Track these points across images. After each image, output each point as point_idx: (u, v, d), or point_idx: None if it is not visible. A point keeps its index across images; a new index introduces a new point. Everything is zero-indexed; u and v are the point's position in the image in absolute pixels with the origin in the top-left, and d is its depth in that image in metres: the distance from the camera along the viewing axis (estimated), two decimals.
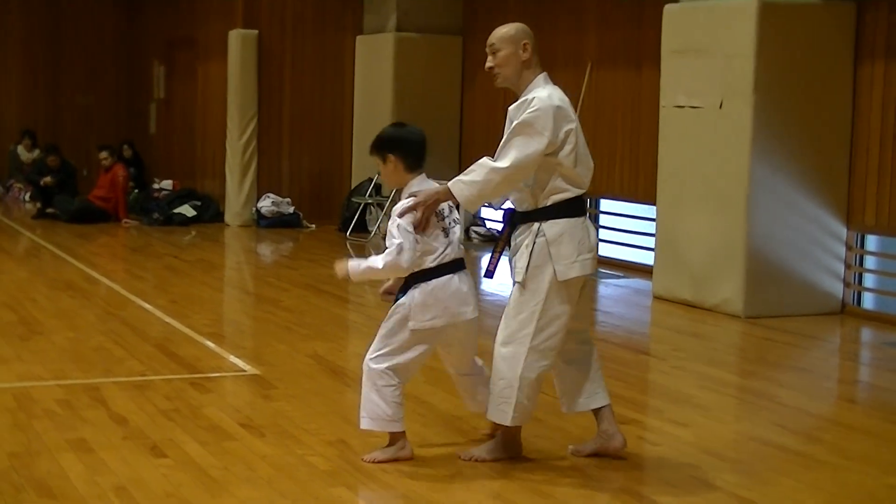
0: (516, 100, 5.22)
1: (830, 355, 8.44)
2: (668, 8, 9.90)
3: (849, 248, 9.45)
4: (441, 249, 5.07)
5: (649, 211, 11.19)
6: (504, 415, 5.17)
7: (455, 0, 14.93)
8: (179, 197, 15.86)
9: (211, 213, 15.64)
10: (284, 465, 5.11)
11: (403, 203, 5.05)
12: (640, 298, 10.23)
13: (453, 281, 5.08)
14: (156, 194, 16.30)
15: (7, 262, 11.47)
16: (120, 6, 20.10)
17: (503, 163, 5.01)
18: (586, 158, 5.17)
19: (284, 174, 15.72)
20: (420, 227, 4.99)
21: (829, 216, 9.36)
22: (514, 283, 5.17)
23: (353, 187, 15.13)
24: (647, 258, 11.05)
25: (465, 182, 5.04)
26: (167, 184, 16.76)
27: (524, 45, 5.21)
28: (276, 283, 10.86)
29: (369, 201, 14.45)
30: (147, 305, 9.12)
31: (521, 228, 5.18)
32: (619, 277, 11.36)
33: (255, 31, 15.27)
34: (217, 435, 5.55)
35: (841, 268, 9.43)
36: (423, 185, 5.13)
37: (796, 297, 9.29)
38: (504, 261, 5.25)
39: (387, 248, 4.98)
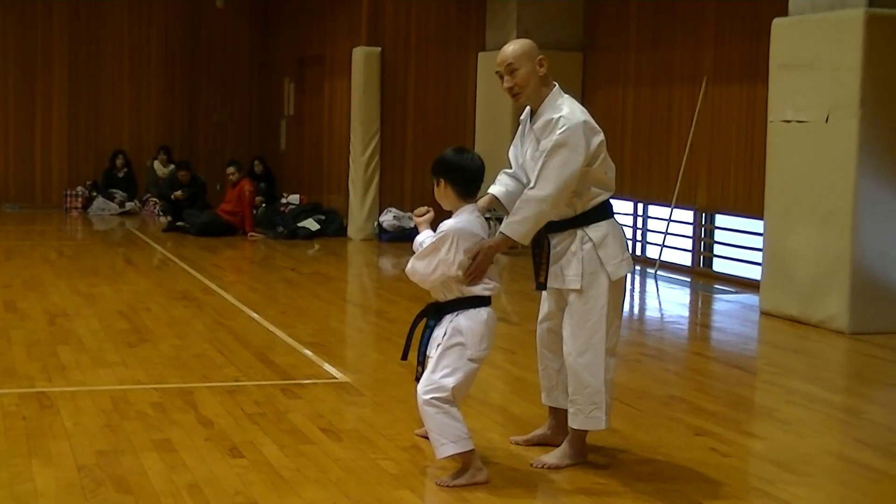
0: (531, 111, 5.37)
1: None
2: (776, 21, 9.83)
3: None
4: (494, 280, 5.10)
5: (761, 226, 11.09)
6: (598, 420, 5.33)
7: (576, 16, 15.03)
8: (305, 211, 16.19)
9: (335, 227, 15.93)
10: (355, 468, 5.25)
11: (470, 252, 5.01)
12: (748, 314, 10.15)
13: (491, 311, 5.11)
14: (282, 208, 16.64)
15: (131, 274, 11.88)
16: (255, 26, 20.65)
17: (547, 190, 5.12)
18: (610, 162, 5.36)
19: (406, 189, 15.94)
20: (475, 279, 5.00)
21: None
22: (570, 291, 5.27)
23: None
24: (759, 274, 10.95)
25: (518, 222, 5.18)
26: (294, 198, 17.12)
27: (540, 60, 5.32)
28: (387, 295, 11.05)
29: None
30: (255, 315, 9.38)
31: (561, 236, 5.30)
32: (731, 293, 11.29)
33: (378, 49, 15.54)
34: (296, 438, 5.72)
35: None
36: (466, 216, 5.08)
37: None
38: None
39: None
